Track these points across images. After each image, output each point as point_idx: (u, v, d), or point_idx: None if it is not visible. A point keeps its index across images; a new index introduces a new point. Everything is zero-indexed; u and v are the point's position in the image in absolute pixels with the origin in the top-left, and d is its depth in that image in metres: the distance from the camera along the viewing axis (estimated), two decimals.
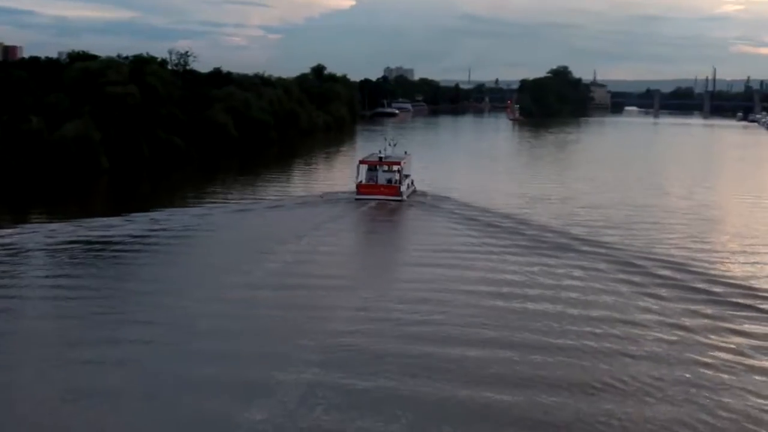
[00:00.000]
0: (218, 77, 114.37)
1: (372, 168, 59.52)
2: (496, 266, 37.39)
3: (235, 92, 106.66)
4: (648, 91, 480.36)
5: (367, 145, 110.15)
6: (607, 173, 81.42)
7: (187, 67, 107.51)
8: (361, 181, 58.24)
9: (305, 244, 41.25)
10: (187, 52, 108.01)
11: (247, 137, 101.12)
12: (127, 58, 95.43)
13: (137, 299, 30.88)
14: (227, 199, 58.30)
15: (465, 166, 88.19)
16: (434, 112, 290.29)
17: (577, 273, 36.46)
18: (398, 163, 59.88)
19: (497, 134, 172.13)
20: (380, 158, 59.99)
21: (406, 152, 65.54)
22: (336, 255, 39.94)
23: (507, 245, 42.36)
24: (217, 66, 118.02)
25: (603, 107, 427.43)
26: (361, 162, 60.09)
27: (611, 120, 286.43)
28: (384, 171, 59.38)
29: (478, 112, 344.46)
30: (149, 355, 24.80)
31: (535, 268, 37.10)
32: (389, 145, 63.91)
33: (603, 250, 41.22)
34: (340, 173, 78.42)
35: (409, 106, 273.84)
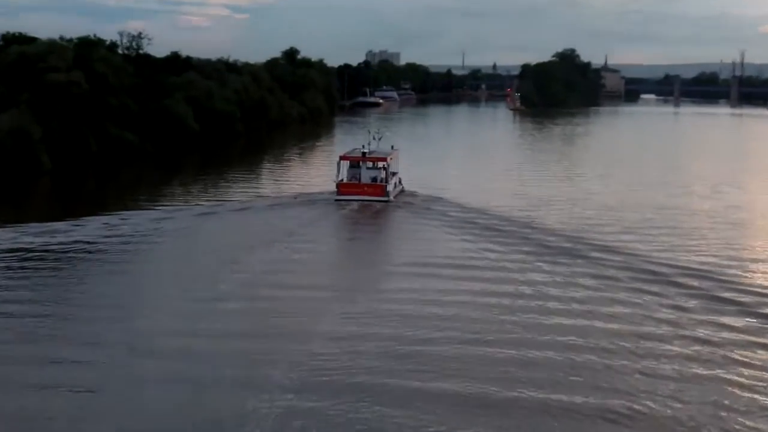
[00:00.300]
0: (176, 63, 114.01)
1: (354, 165, 59.59)
2: (496, 275, 37.55)
3: (195, 80, 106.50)
4: (667, 76, 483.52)
5: (347, 139, 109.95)
6: (620, 171, 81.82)
7: (141, 52, 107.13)
8: (341, 180, 58.30)
9: (277, 252, 41.30)
10: (140, 33, 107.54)
11: (209, 131, 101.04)
12: (71, 40, 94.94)
13: (84, 315, 30.75)
14: (188, 201, 58.24)
15: (459, 162, 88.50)
16: (423, 102, 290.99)
17: (588, 282, 36.67)
18: (384, 159, 59.93)
19: (495, 126, 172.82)
20: (364, 153, 60.02)
21: (393, 147, 65.65)
22: (313, 265, 39.96)
23: (508, 251, 42.54)
24: (175, 50, 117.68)
25: (616, 95, 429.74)
26: (342, 158, 60.14)
27: (625, 110, 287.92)
28: (368, 168, 59.48)
29: (474, 101, 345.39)
30: (96, 381, 24.69)
31: (540, 277, 37.33)
32: (374, 138, 63.99)
33: (617, 257, 41.46)
34: (316, 171, 78.39)
35: (394, 94, 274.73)
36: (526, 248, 43.49)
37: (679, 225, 51.78)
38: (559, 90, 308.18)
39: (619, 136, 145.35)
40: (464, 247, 43.43)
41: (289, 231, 46.51)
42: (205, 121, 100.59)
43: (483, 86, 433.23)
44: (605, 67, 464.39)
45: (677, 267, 39.75)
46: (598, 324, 30.75)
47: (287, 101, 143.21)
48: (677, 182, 73.38)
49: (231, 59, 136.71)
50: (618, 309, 32.81)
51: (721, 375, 26.06)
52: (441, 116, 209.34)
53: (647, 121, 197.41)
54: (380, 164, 59.78)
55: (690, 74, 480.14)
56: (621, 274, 38.26)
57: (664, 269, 39.26)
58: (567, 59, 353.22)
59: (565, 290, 35.33)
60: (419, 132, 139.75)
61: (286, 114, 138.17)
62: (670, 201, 61.58)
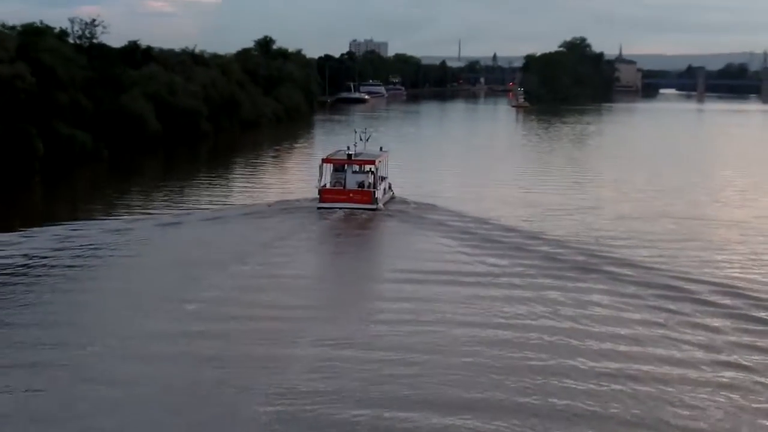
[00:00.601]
0: (135, 54, 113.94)
1: (339, 168, 59.66)
2: (500, 293, 37.54)
3: (157, 73, 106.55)
4: (690, 68, 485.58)
5: (328, 140, 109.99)
6: (637, 176, 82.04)
7: (95, 41, 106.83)
8: (324, 185, 58.34)
9: (251, 269, 41.16)
10: (94, 20, 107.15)
11: (173, 131, 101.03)
12: (14, 28, 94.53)
13: (28, 338, 30.45)
14: (149, 210, 58.11)
15: (456, 167, 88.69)
16: (414, 98, 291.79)
17: (605, 300, 36.73)
18: (372, 162, 60.02)
19: (496, 125, 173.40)
20: (349, 156, 59.99)
21: (381, 148, 65.66)
22: (291, 282, 39.71)
23: (512, 265, 42.58)
24: (134, 39, 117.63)
25: (632, 90, 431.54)
26: (325, 161, 60.14)
27: (642, 106, 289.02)
28: (354, 172, 59.56)
29: (471, 97, 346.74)
30: (35, 410, 24.44)
31: (551, 294, 37.31)
32: (360, 139, 64.06)
33: (636, 272, 41.53)
34: (294, 176, 78.36)
35: (382, 89, 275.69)
36: (533, 262, 43.51)
37: (705, 237, 51.97)
38: (567, 84, 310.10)
39: (635, 136, 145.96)
40: (463, 261, 43.45)
41: (264, 244, 46.42)
42: (168, 119, 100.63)
43: (481, 80, 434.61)
44: (620, 58, 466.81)
45: (705, 283, 39.85)
46: (621, 347, 30.74)
47: (261, 97, 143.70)
48: (702, 189, 73.69)
49: (197, 50, 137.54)
50: (640, 330, 32.82)
51: (761, 405, 26.01)
52: (434, 114, 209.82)
53: (667, 119, 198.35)
54: (368, 168, 59.77)
55: (716, 66, 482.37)
56: (642, 291, 38.31)
57: (691, 286, 39.33)
58: (576, 49, 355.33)
59: (580, 309, 35.33)
60: (410, 132, 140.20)
61: (260, 112, 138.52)
62: (694, 210, 61.77)
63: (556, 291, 38.00)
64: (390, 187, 63.04)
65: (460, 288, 38.33)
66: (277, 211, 56.27)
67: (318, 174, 59.06)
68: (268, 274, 40.56)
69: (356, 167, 59.88)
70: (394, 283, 39.47)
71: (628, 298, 37.08)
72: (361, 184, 58.71)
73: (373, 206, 57.23)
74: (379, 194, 58.59)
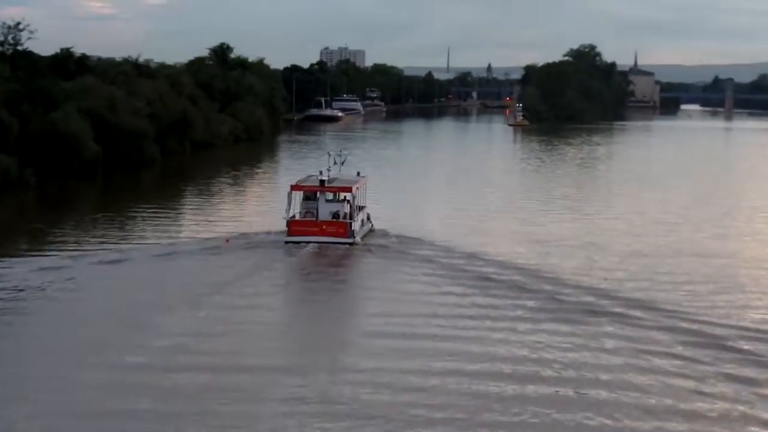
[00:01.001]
0: (68, 63, 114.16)
1: (310, 196, 60.18)
2: (497, 339, 37.98)
3: (94, 86, 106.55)
4: (716, 81, 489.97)
5: (295, 165, 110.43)
6: (653, 206, 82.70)
7: (20, 48, 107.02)
8: (293, 216, 58.77)
9: (206, 314, 41.33)
10: (19, 24, 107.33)
11: (114, 153, 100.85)
12: None
13: None
14: (85, 246, 58.13)
15: (444, 195, 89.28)
16: (396, 115, 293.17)
17: (619, 346, 37.35)
18: (349, 189, 60.55)
19: (490, 147, 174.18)
20: (322, 182, 60.50)
21: (359, 173, 66.24)
22: (252, 330, 39.82)
23: (511, 308, 43.05)
24: (66, 46, 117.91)
25: (648, 105, 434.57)
26: (294, 188, 60.64)
27: (661, 125, 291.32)
28: (328, 201, 60.11)
29: (462, 114, 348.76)
30: None
31: (556, 340, 37.87)
32: (335, 162, 64.71)
33: (652, 315, 42.15)
34: (256, 206, 78.80)
35: (358, 105, 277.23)
36: (534, 303, 44.02)
37: (732, 275, 52.65)
38: (573, 99, 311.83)
39: (651, 160, 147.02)
40: (454, 304, 43.84)
41: (221, 284, 46.54)
42: (108, 140, 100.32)
43: (474, 94, 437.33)
44: (635, 69, 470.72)
45: (731, 327, 40.53)
46: (642, 400, 31.24)
47: (216, 114, 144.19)
48: (728, 223, 74.25)
49: (142, 59, 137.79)
50: (660, 380, 33.35)
51: None
52: (419, 134, 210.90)
53: (689, 140, 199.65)
54: (344, 196, 60.28)
55: (747, 77, 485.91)
56: (659, 335, 38.88)
57: (716, 330, 39.95)
58: (584, 58, 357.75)
59: (591, 357, 35.89)
60: (391, 155, 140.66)
61: (215, 131, 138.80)
62: (719, 246, 62.48)
63: (561, 336, 38.54)
64: (369, 218, 63.46)
65: (451, 335, 38.70)
66: (238, 246, 56.55)
67: (286, 203, 59.37)
68: (226, 319, 40.70)
69: (330, 195, 60.36)
70: (373, 331, 39.67)
71: (643, 344, 37.62)
72: (335, 215, 59.07)
73: (350, 240, 57.60)
74: (356, 226, 58.99)
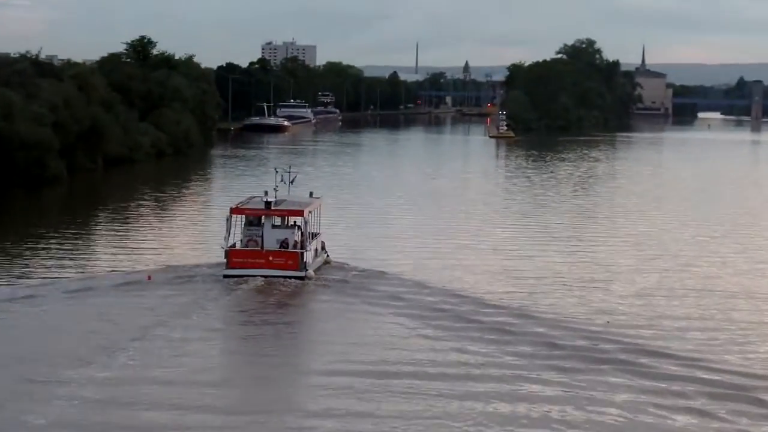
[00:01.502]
0: None
1: (254, 221, 60.99)
2: (481, 391, 38.91)
3: None
4: (741, 83, 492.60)
5: (233, 185, 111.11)
6: (665, 237, 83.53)
7: None
8: (233, 245, 59.62)
9: (121, 366, 41.69)
10: None
11: (8, 169, 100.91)
12: None
13: None
14: None
15: (412, 221, 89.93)
16: (354, 124, 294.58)
17: (625, 399, 38.47)
18: (300, 213, 61.30)
19: (467, 164, 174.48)
20: (268, 204, 61.08)
21: (312, 194, 67.32)
22: (181, 385, 39.96)
23: (495, 353, 44.13)
24: None
25: (658, 113, 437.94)
26: (235, 211, 61.33)
27: (673, 137, 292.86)
28: (275, 226, 60.84)
29: (434, 123, 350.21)
30: None
31: (551, 391, 38.91)
32: (282, 180, 65.14)
33: (663, 362, 43.35)
34: (185, 234, 79.69)
35: (308, 112, 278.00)
36: (523, 348, 45.15)
37: (749, 319, 53.74)
38: (568, 106, 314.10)
39: (661, 181, 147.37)
40: (427, 349, 44.89)
41: (141, 329, 46.87)
42: (1, 153, 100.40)
43: (448, 100, 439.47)
44: (642, 69, 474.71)
45: (756, 377, 41.89)
46: None
47: (136, 123, 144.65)
48: (752, 258, 74.84)
49: (44, 55, 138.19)
50: None
51: None
52: (382, 148, 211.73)
53: (708, 156, 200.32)
54: (294, 220, 61.18)
55: None
56: (674, 386, 40.02)
57: (739, 380, 41.30)
58: (582, 56, 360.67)
59: (593, 413, 36.93)
60: (347, 175, 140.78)
61: (134, 143, 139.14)
62: (738, 285, 63.37)
63: (555, 387, 39.68)
64: (323, 248, 64.58)
65: (423, 388, 39.45)
66: (166, 281, 57.09)
67: (225, 229, 60.05)
68: (146, 374, 40.87)
69: (278, 220, 61.14)
70: (327, 386, 40.11)
71: (655, 396, 38.79)
72: (284, 243, 59.84)
73: (301, 273, 58.44)
74: (309, 257, 59.81)
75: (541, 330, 48.56)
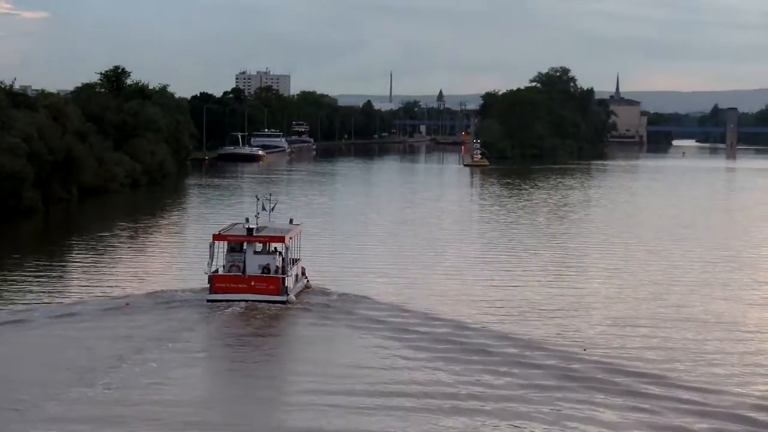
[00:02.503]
0: None
1: (236, 247, 62.71)
2: (461, 418, 40.26)
3: None
4: (716, 110, 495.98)
5: (207, 215, 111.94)
6: (636, 266, 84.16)
7: None
8: (216, 270, 61.27)
9: (98, 393, 42.37)
10: None
11: None
12: None
13: None
14: None
15: (389, 249, 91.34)
16: (328, 153, 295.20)
17: (617, 419, 40.05)
18: (281, 239, 63.04)
19: (443, 192, 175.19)
20: (249, 230, 63.04)
21: (292, 221, 69.17)
22: (160, 412, 40.40)
23: (483, 378, 45.61)
24: None
25: (633, 141, 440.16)
26: (217, 237, 63.06)
27: (648, 164, 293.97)
28: (257, 252, 62.62)
29: (408, 152, 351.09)
30: None
31: (547, 423, 39.92)
32: (262, 208, 66.79)
33: (661, 390, 44.69)
34: (163, 260, 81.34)
35: (282, 142, 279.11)
36: (501, 368, 46.98)
37: (728, 345, 55.38)
38: (542, 134, 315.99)
39: (637, 208, 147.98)
40: (407, 368, 46.84)
41: (117, 357, 47.72)
42: None
43: (422, 128, 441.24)
44: (617, 97, 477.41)
45: (736, 395, 43.98)
46: None
47: (110, 153, 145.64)
48: (730, 286, 75.65)
49: (18, 85, 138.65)
50: None
51: None
52: (356, 177, 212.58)
53: (683, 184, 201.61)
54: (275, 246, 62.98)
55: (753, 105, 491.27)
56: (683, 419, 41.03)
57: (722, 400, 43.23)
58: (556, 84, 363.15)
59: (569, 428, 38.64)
60: (321, 203, 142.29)
61: (109, 174, 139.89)
62: (715, 312, 64.45)
63: (529, 404, 41.29)
64: (304, 273, 66.38)
65: (404, 406, 41.02)
66: (149, 306, 58.52)
67: (209, 255, 61.67)
68: (126, 399, 41.71)
69: (259, 246, 62.89)
70: (311, 405, 41.40)
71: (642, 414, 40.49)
72: (266, 269, 61.57)
73: (283, 298, 60.15)
74: (290, 282, 61.58)
75: (514, 351, 50.37)
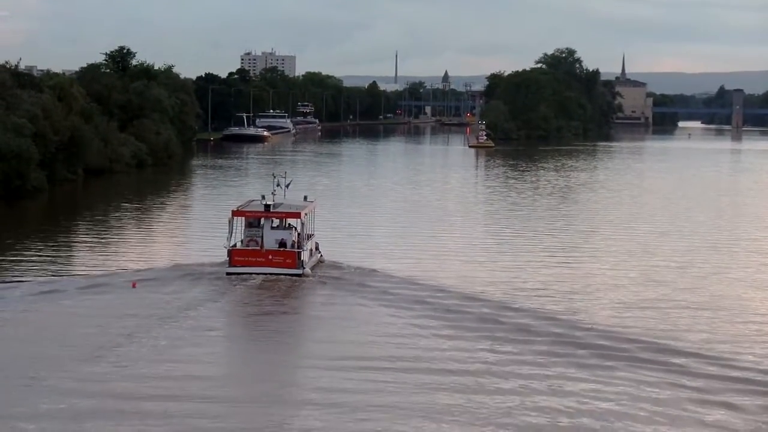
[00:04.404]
0: None
1: (253, 223, 65.63)
2: (482, 384, 42.22)
3: None
4: (721, 92, 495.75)
5: (212, 196, 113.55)
6: (643, 248, 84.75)
7: None
8: (235, 245, 64.00)
9: (116, 362, 44.00)
10: None
11: None
12: None
13: None
14: None
15: (395, 228, 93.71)
16: (333, 134, 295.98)
17: (626, 392, 41.63)
18: (297, 215, 66.16)
19: (447, 173, 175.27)
20: (267, 207, 65.71)
21: (306, 198, 71.87)
22: (179, 385, 41.56)
23: (485, 344, 47.97)
24: None
25: (639, 123, 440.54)
26: (236, 213, 65.89)
27: (654, 146, 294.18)
28: (274, 228, 65.55)
29: (414, 133, 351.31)
30: None
31: (524, 371, 42.95)
32: (277, 185, 69.48)
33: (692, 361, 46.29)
34: (178, 236, 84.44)
35: (287, 122, 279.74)
36: (507, 335, 49.63)
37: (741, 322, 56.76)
38: (548, 115, 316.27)
39: (642, 190, 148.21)
40: (415, 335, 49.57)
41: (160, 319, 50.72)
42: None
43: (428, 110, 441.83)
44: (622, 79, 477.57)
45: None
46: None
47: (115, 134, 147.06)
48: (734, 267, 76.60)
49: (23, 65, 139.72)
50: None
51: None
52: (361, 157, 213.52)
53: (688, 165, 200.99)
54: (291, 221, 65.83)
55: (759, 87, 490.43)
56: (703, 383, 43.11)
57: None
58: (561, 66, 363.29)
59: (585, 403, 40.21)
60: (327, 183, 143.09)
61: (115, 154, 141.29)
62: (725, 293, 65.57)
63: (563, 380, 42.98)
64: (317, 248, 69.25)
65: (417, 376, 42.89)
66: (173, 278, 61.32)
67: (228, 230, 64.47)
68: (145, 371, 43.18)
69: (276, 221, 65.83)
70: (330, 375, 43.00)
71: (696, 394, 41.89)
72: (282, 243, 64.35)
73: (299, 271, 63.05)
74: (305, 256, 64.45)
75: (521, 320, 53.01)
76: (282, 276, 62.17)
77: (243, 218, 65.47)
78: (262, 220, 65.19)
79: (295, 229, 65.39)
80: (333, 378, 42.51)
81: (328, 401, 39.41)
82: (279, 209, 66.10)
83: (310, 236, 67.40)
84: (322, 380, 42.39)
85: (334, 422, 37.19)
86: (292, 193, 71.57)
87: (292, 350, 49.85)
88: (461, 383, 41.83)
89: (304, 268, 63.27)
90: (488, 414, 38.12)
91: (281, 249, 63.75)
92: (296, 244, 64.28)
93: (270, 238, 64.36)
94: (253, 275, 61.94)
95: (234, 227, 64.48)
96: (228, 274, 61.95)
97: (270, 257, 63.10)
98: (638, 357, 46.50)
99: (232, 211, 66.14)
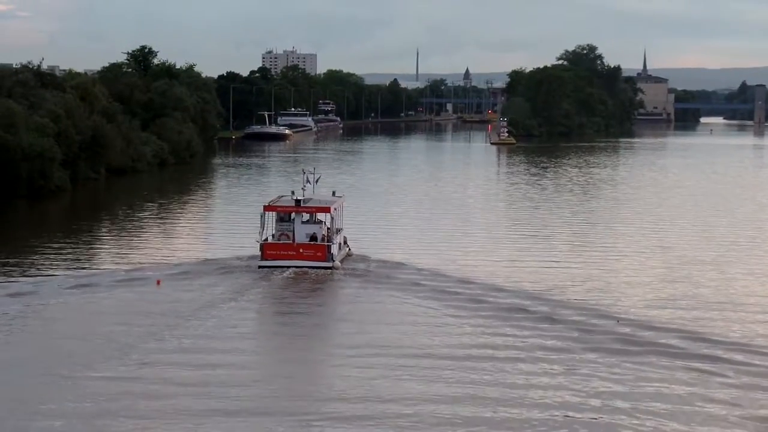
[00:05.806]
0: None
1: (284, 217, 67.40)
2: (513, 372, 43.36)
3: None
4: (744, 87, 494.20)
5: (234, 194, 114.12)
6: (666, 244, 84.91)
7: None
8: (266, 239, 65.57)
9: (155, 352, 45.24)
10: None
11: (11, 180, 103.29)
12: None
13: None
14: None
15: (419, 222, 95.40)
16: (355, 132, 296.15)
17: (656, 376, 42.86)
18: (327, 209, 67.86)
19: (468, 170, 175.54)
20: (297, 202, 67.47)
21: (334, 193, 73.71)
22: (211, 374, 42.40)
23: (513, 329, 49.53)
24: None
25: (660, 119, 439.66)
26: (268, 208, 67.64)
27: (676, 142, 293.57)
28: (304, 222, 67.27)
29: (435, 130, 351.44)
30: None
31: (581, 371, 43.21)
32: (307, 181, 71.21)
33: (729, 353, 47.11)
34: (208, 232, 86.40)
35: (309, 121, 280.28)
36: (535, 325, 51.11)
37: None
38: (569, 112, 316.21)
39: (667, 185, 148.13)
40: (445, 324, 51.21)
41: (178, 317, 51.49)
42: (4, 164, 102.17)
43: (449, 107, 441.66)
44: (644, 75, 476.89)
45: None
46: None
47: (137, 133, 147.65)
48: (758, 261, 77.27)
49: (46, 65, 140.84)
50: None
51: None
52: (383, 155, 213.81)
53: (711, 161, 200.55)
54: (321, 216, 67.46)
55: None
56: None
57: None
58: (583, 62, 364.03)
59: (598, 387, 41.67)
60: (350, 180, 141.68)
61: (137, 154, 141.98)
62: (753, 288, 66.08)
63: (586, 367, 44.11)
64: (346, 241, 70.79)
65: (452, 371, 43.50)
66: (207, 272, 62.91)
67: (260, 225, 66.19)
68: (182, 359, 44.50)
69: (306, 216, 67.48)
70: (361, 365, 44.12)
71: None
72: (313, 237, 66.12)
73: (329, 264, 64.63)
74: (335, 249, 66.04)
75: (545, 309, 54.56)
76: (312, 269, 63.60)
77: (274, 213, 67.08)
78: (293, 214, 66.90)
79: (325, 223, 67.00)
80: (362, 366, 43.66)
81: (354, 388, 40.62)
82: (309, 204, 67.84)
83: (338, 230, 68.86)
84: (354, 369, 43.41)
85: (370, 411, 38.01)
86: (319, 189, 73.02)
87: (322, 344, 50.77)
88: (499, 368, 43.25)
89: (333, 261, 64.78)
90: (521, 401, 39.00)
91: (312, 243, 65.40)
92: (326, 238, 65.85)
93: (301, 232, 66.00)
94: (285, 268, 63.40)
95: (266, 222, 66.07)
96: (260, 267, 63.54)
97: (301, 251, 64.70)
98: (669, 351, 46.81)
99: (264, 206, 67.90)
